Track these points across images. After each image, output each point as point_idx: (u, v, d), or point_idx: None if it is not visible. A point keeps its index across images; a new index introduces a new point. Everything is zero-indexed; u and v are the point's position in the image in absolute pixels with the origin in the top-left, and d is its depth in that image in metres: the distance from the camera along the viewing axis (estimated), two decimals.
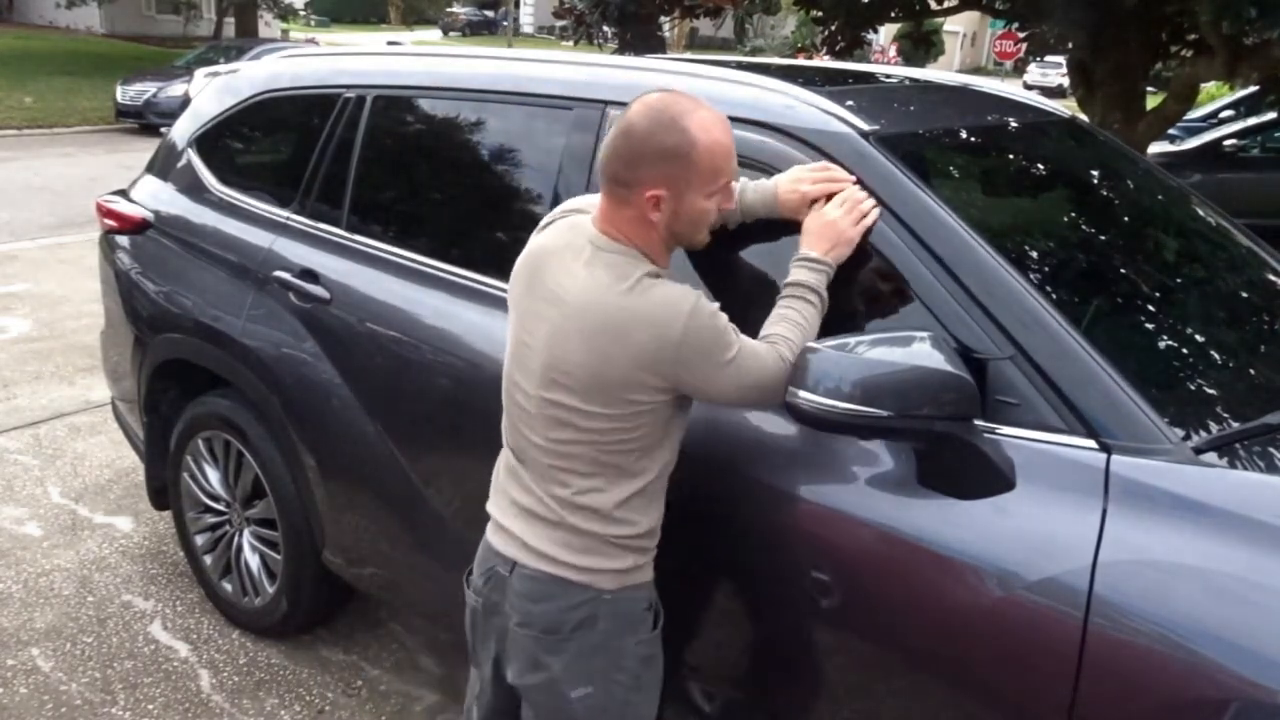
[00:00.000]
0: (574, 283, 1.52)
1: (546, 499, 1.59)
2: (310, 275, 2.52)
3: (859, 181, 1.73)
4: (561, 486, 1.57)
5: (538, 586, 1.60)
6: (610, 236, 1.54)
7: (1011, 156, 2.30)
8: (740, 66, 2.12)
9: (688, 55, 3.67)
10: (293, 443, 2.56)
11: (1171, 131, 8.51)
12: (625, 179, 1.49)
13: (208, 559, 3.01)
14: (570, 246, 1.56)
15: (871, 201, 1.69)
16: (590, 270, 1.51)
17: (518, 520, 1.63)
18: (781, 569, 1.72)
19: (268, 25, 30.31)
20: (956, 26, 36.44)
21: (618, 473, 1.55)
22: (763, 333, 1.59)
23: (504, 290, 2.16)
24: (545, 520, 1.59)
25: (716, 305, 1.51)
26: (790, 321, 1.60)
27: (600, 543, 1.57)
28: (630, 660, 1.62)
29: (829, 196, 1.70)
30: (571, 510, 1.57)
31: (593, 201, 1.64)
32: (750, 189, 1.76)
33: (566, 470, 1.56)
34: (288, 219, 2.67)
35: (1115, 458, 1.46)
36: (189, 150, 3.01)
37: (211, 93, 3.03)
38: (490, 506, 1.72)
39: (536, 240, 1.65)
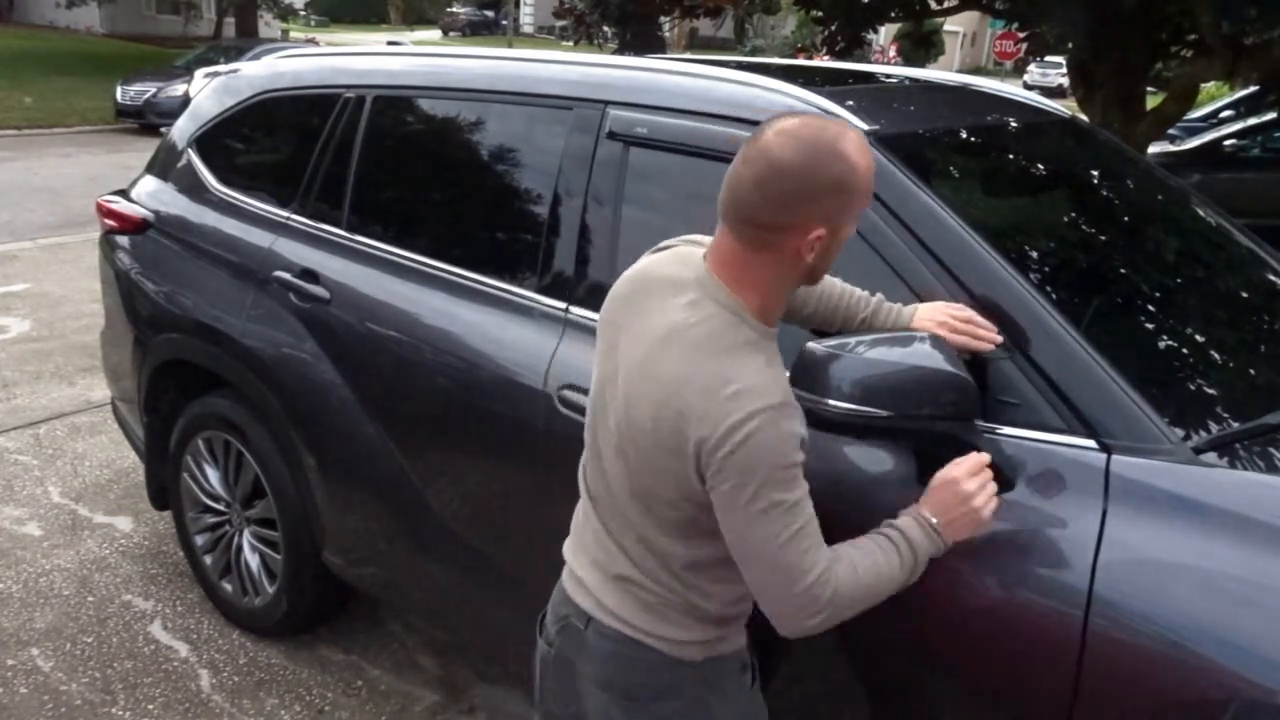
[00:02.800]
0: (667, 324, 1.32)
1: (621, 554, 1.42)
2: (310, 275, 2.52)
3: None
4: (636, 541, 1.40)
5: (614, 647, 1.43)
6: (723, 282, 1.32)
7: (1011, 156, 2.30)
8: (740, 66, 2.12)
9: (688, 55, 3.67)
10: (293, 443, 2.56)
11: (1171, 131, 8.51)
12: (779, 223, 1.25)
13: (208, 559, 3.01)
14: (673, 280, 1.36)
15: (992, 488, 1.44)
16: (686, 315, 1.31)
17: (592, 571, 1.47)
18: None
19: (268, 25, 30.32)
20: (956, 26, 36.43)
21: (700, 532, 1.35)
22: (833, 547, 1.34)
23: (503, 290, 2.19)
24: (620, 577, 1.42)
25: (804, 429, 1.28)
26: (866, 554, 1.34)
27: (679, 613, 1.40)
28: None
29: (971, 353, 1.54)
30: (648, 571, 1.39)
31: (698, 238, 1.48)
32: (883, 312, 1.61)
33: (645, 521, 1.38)
34: (288, 219, 2.67)
35: (1115, 458, 1.46)
36: (189, 150, 3.01)
37: (211, 93, 3.03)
38: (566, 550, 1.56)
39: (642, 263, 1.45)
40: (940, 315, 1.56)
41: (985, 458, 1.43)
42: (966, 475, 1.40)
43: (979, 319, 1.57)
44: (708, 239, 1.43)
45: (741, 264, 1.31)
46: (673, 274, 1.38)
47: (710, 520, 1.32)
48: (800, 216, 1.25)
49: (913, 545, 1.37)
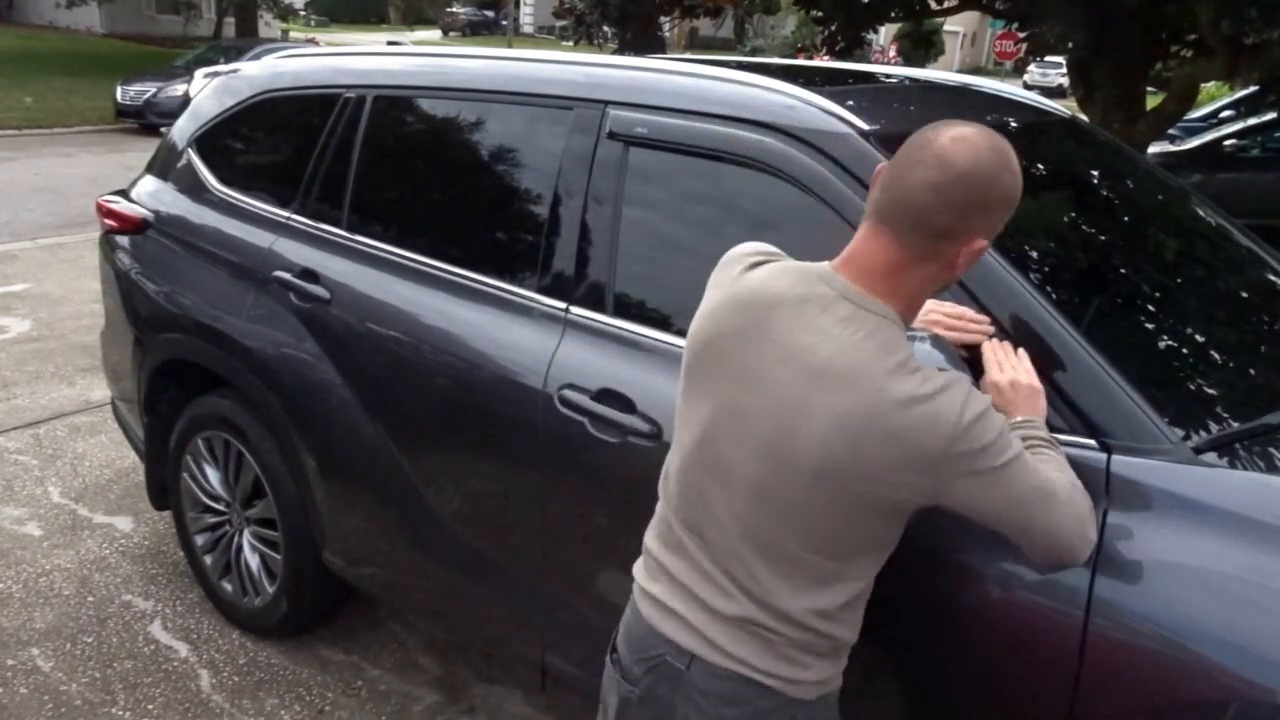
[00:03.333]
0: (827, 343, 1.25)
1: (737, 592, 1.33)
2: (310, 275, 2.52)
3: (859, 180, 1.73)
4: (757, 582, 1.32)
5: (726, 687, 1.35)
6: (872, 293, 1.28)
7: None
8: (740, 66, 2.12)
9: (688, 55, 3.67)
10: (293, 443, 2.57)
11: (1171, 131, 8.52)
12: (953, 230, 1.24)
13: (208, 559, 3.01)
14: (813, 297, 1.28)
15: (1024, 364, 1.50)
16: (849, 331, 1.24)
17: (694, 608, 1.37)
18: None
19: (268, 25, 30.33)
20: (956, 26, 36.42)
21: (832, 576, 1.31)
22: None
23: (503, 290, 2.19)
24: (734, 617, 1.34)
25: (988, 398, 1.28)
26: (1046, 465, 1.34)
27: (801, 651, 1.34)
28: None
29: (968, 347, 1.55)
30: (770, 612, 1.32)
31: (774, 250, 1.43)
32: None
33: (772, 564, 1.31)
34: (288, 219, 2.67)
35: (1115, 458, 1.46)
36: (189, 150, 3.01)
37: (211, 93, 3.03)
38: (646, 581, 1.45)
39: (755, 279, 1.34)
40: (931, 313, 1.56)
41: (980, 334, 1.53)
42: (996, 371, 1.47)
43: (969, 313, 1.58)
44: (774, 249, 1.41)
45: (897, 272, 1.27)
46: (804, 291, 1.29)
47: (870, 548, 1.31)
48: (972, 224, 1.25)
49: (1045, 438, 1.40)
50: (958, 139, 1.24)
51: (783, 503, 1.28)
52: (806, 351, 1.26)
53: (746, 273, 1.36)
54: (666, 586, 1.41)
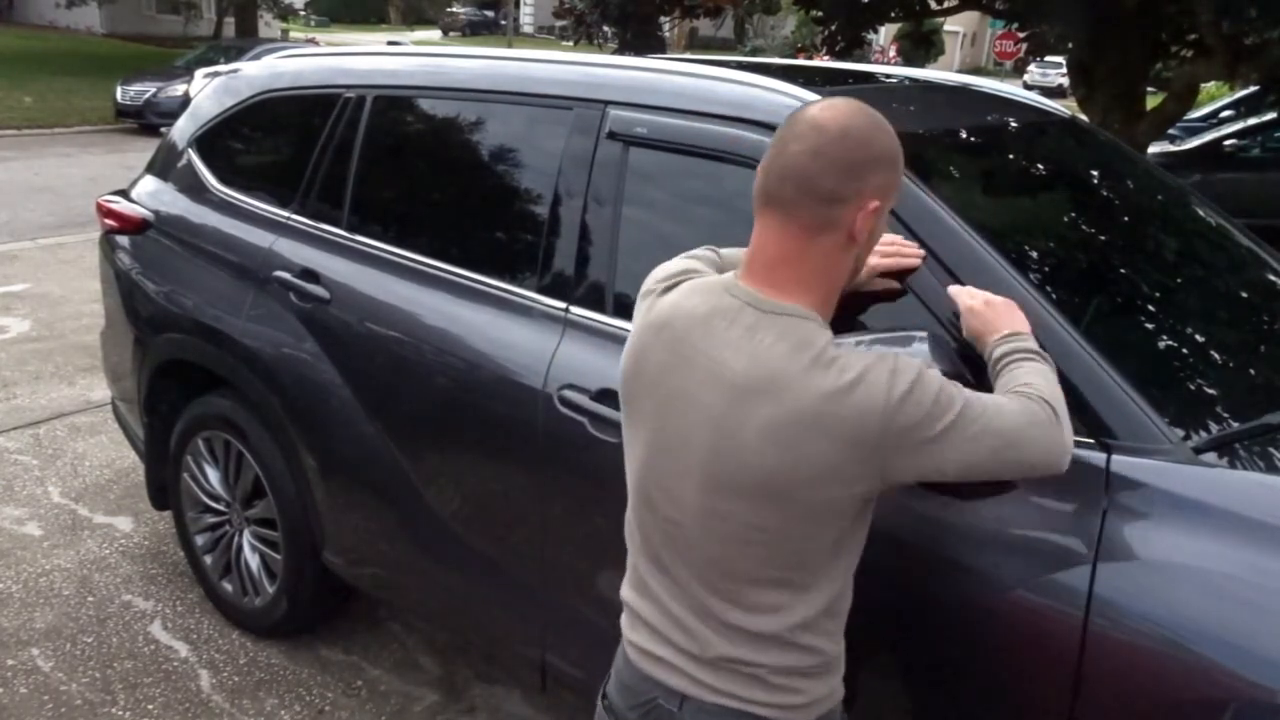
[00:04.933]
0: (739, 356, 1.21)
1: (710, 634, 1.30)
2: (310, 275, 2.52)
3: None
4: (735, 609, 1.28)
5: None
6: (774, 293, 1.24)
7: (1012, 156, 2.30)
8: (740, 66, 2.12)
9: (688, 55, 3.67)
10: (293, 443, 2.57)
11: (1171, 131, 8.51)
12: (841, 193, 1.20)
13: (208, 559, 3.01)
14: (719, 311, 1.25)
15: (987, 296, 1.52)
16: (757, 339, 1.21)
17: (674, 652, 1.33)
18: None
19: (268, 25, 30.32)
20: (956, 26, 36.44)
21: (802, 588, 1.27)
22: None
23: (503, 290, 2.19)
24: (714, 659, 1.30)
25: (920, 360, 1.24)
26: (1028, 375, 1.34)
27: (788, 676, 1.29)
28: None
29: (902, 273, 1.60)
30: (747, 640, 1.28)
31: (702, 257, 1.45)
32: None
33: (739, 590, 1.27)
34: (288, 219, 2.67)
35: (1115, 457, 1.46)
36: (189, 150, 3.01)
37: (211, 93, 3.03)
38: (629, 631, 1.41)
39: (667, 304, 1.31)
40: None
41: (914, 258, 1.60)
42: (966, 298, 1.50)
43: (900, 239, 1.63)
44: (693, 260, 1.41)
45: (794, 258, 1.23)
46: (711, 306, 1.26)
47: (840, 552, 1.27)
48: (859, 184, 1.21)
49: (1033, 349, 1.41)
50: (826, 107, 1.25)
51: (737, 527, 1.24)
52: (722, 368, 1.22)
53: (659, 299, 1.33)
54: (646, 634, 1.37)
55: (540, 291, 2.12)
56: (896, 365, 1.19)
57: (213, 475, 2.93)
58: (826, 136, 1.21)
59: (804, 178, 1.21)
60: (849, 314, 1.72)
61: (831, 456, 1.18)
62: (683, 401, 1.26)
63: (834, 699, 1.36)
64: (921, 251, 1.63)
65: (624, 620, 1.44)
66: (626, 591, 1.43)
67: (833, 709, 1.36)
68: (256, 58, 3.28)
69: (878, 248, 1.55)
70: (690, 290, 1.31)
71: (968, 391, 1.24)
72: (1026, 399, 1.29)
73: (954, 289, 1.57)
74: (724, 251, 1.52)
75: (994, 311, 1.47)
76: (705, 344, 1.24)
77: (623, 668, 1.43)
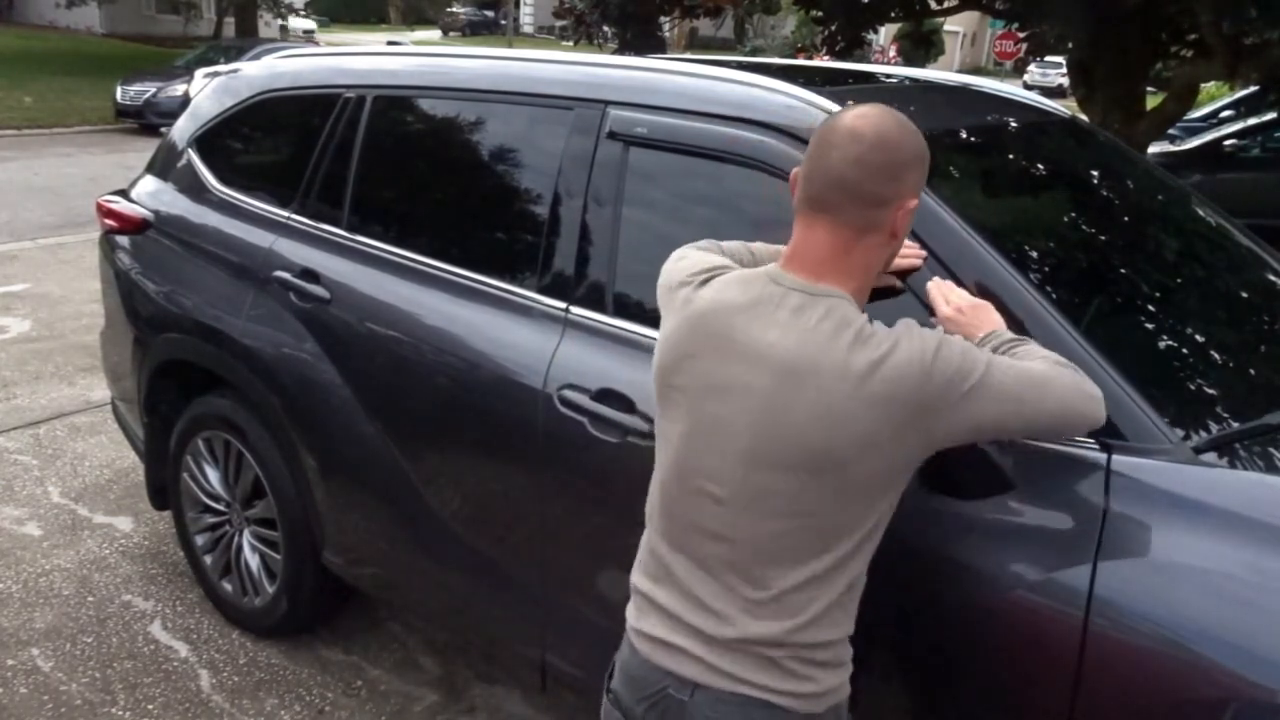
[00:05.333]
0: (786, 337, 1.27)
1: (735, 613, 1.32)
2: (310, 275, 2.52)
3: None
4: (763, 590, 1.31)
5: (735, 711, 1.33)
6: (821, 280, 1.31)
7: (1012, 156, 2.30)
8: (740, 66, 2.12)
9: (688, 55, 3.67)
10: (293, 443, 2.57)
11: (1171, 131, 8.51)
12: (885, 195, 1.28)
13: (208, 559, 3.01)
14: (764, 298, 1.32)
15: (962, 292, 1.58)
16: (803, 321, 1.28)
17: (689, 637, 1.36)
18: None
19: (267, 25, 30.33)
20: (956, 26, 36.43)
21: (831, 570, 1.31)
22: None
23: (503, 290, 2.18)
24: (733, 640, 1.32)
25: (938, 328, 1.34)
26: (1032, 353, 1.41)
27: (805, 665, 1.33)
28: None
29: (904, 273, 1.64)
30: (770, 618, 1.31)
31: (729, 250, 1.53)
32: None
33: (770, 571, 1.31)
34: (288, 219, 2.67)
35: (1116, 457, 1.46)
36: (189, 150, 3.01)
37: (211, 93, 3.03)
38: (637, 620, 1.43)
39: (707, 296, 1.37)
40: None
41: (914, 258, 1.64)
42: (943, 305, 1.54)
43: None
44: (716, 254, 1.47)
45: (840, 255, 1.31)
46: (756, 295, 1.32)
47: (876, 528, 1.32)
48: (899, 186, 1.30)
49: (1014, 338, 1.46)
50: (859, 116, 1.32)
51: (782, 504, 1.29)
52: (769, 350, 1.28)
53: (696, 291, 1.38)
54: (659, 620, 1.40)
55: (540, 291, 2.12)
56: (923, 333, 1.28)
57: (213, 475, 2.93)
58: (866, 144, 1.29)
59: (851, 186, 1.29)
60: None
61: (878, 425, 1.24)
62: (726, 387, 1.31)
63: (843, 693, 1.39)
64: (923, 253, 1.66)
65: (632, 610, 1.45)
66: (639, 578, 1.45)
67: (840, 703, 1.38)
68: (256, 58, 3.28)
69: None
70: (728, 283, 1.37)
71: (991, 353, 1.33)
72: (1049, 363, 1.37)
73: (932, 287, 1.59)
74: (756, 248, 1.60)
75: (970, 315, 1.52)
76: (750, 329, 1.30)
77: (629, 659, 1.44)
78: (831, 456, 1.25)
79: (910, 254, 1.65)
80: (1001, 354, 1.40)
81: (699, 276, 1.40)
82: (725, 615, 1.33)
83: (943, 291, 1.57)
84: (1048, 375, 1.34)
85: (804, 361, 1.26)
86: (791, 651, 1.32)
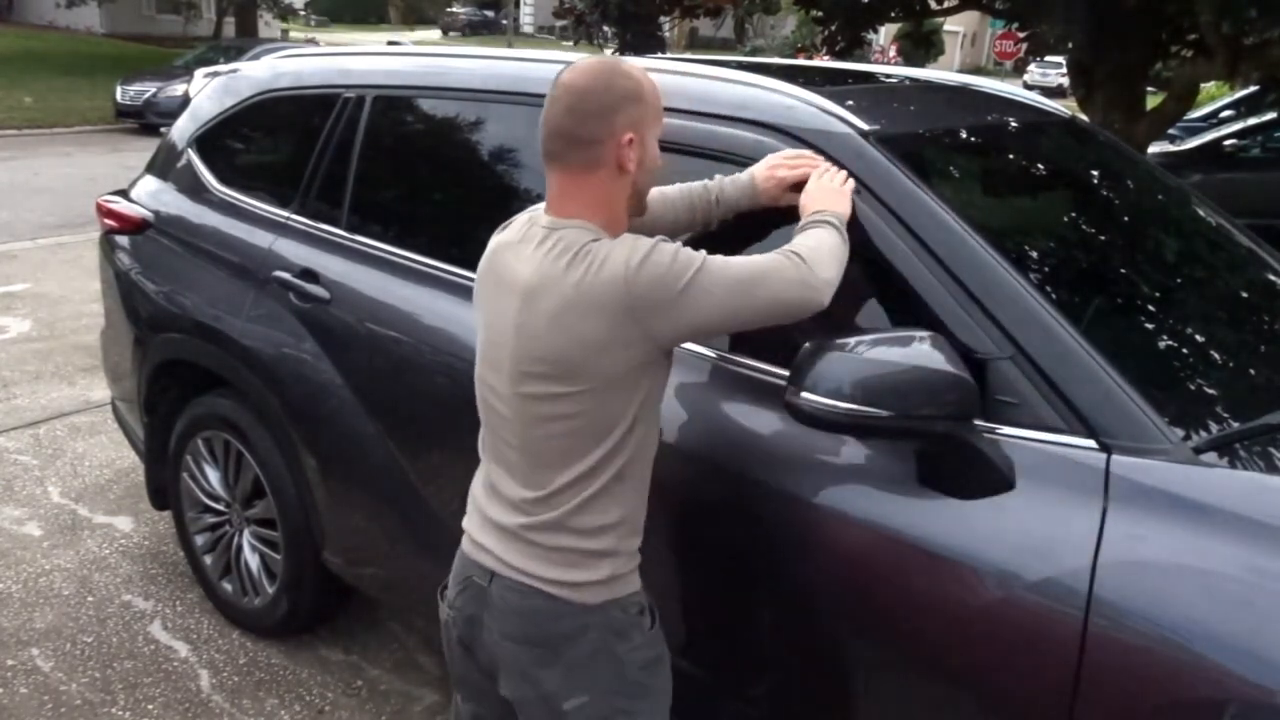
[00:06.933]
0: (528, 266, 1.49)
1: (522, 508, 1.53)
2: (310, 275, 2.52)
3: (858, 180, 1.73)
4: (537, 489, 1.51)
5: (519, 599, 1.53)
6: (563, 217, 1.50)
7: (1011, 156, 2.30)
8: (740, 66, 2.12)
9: (688, 55, 3.67)
10: (293, 443, 2.56)
11: (1171, 131, 8.51)
12: (594, 134, 1.46)
13: (208, 559, 3.01)
14: (526, 238, 1.54)
15: (845, 174, 1.73)
16: (544, 250, 1.48)
17: (490, 533, 1.58)
18: (781, 570, 1.72)
19: (267, 25, 30.32)
20: (956, 26, 36.43)
21: (594, 466, 1.48)
22: None
23: None
24: (519, 533, 1.53)
25: (670, 242, 1.47)
26: (801, 238, 1.56)
27: (575, 554, 1.51)
28: (630, 669, 1.54)
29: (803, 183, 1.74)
30: (540, 518, 1.51)
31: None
32: (728, 184, 1.78)
33: (545, 474, 1.50)
34: (288, 219, 2.67)
35: (1115, 458, 1.46)
36: (189, 150, 3.01)
37: (211, 93, 3.03)
38: (466, 523, 1.66)
39: (495, 240, 1.62)
40: (772, 160, 1.77)
41: (818, 165, 1.75)
42: (815, 181, 1.70)
43: (805, 152, 1.78)
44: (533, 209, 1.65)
45: (577, 190, 1.50)
46: (522, 234, 1.55)
47: (612, 421, 1.47)
48: (610, 124, 1.46)
49: (832, 222, 1.61)
50: (571, 70, 1.51)
51: (542, 408, 1.47)
52: (516, 278, 1.50)
53: (496, 235, 1.63)
54: (474, 519, 1.63)
55: None
56: (635, 242, 1.44)
57: (212, 475, 2.93)
58: (576, 94, 1.48)
59: (567, 133, 1.48)
60: (849, 313, 1.73)
61: (599, 330, 1.41)
62: (495, 312, 1.54)
63: (620, 590, 1.54)
64: (819, 159, 1.75)
65: (466, 517, 1.67)
66: (473, 486, 1.68)
67: (618, 599, 1.54)
68: (256, 58, 3.28)
69: (781, 164, 1.76)
70: (519, 223, 1.59)
71: (712, 255, 1.46)
72: (776, 255, 1.51)
73: (816, 172, 1.72)
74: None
75: (820, 193, 1.68)
76: (509, 262, 1.53)
77: (457, 556, 1.67)
78: (569, 362, 1.43)
79: (805, 162, 1.75)
80: (803, 231, 1.58)
81: (502, 224, 1.64)
82: (513, 510, 1.54)
83: (820, 170, 1.73)
84: (764, 270, 1.47)
85: (536, 284, 1.46)
86: (562, 539, 1.50)
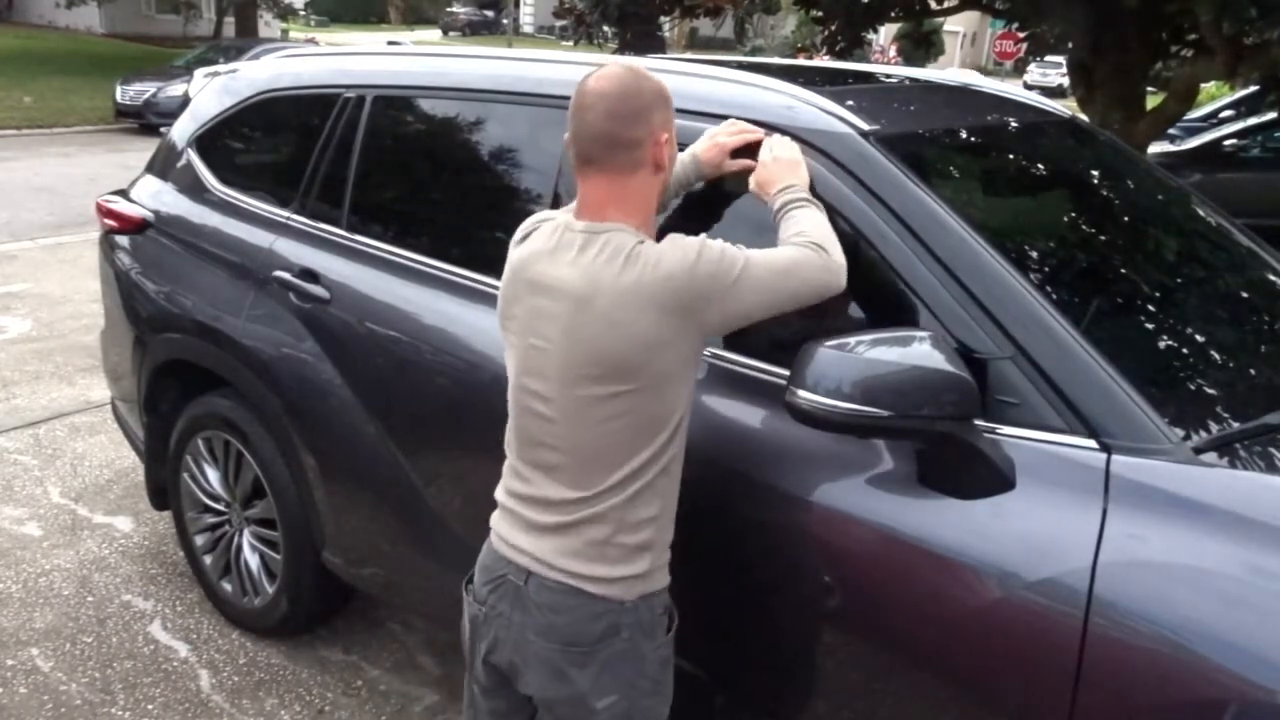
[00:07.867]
0: (574, 271, 1.51)
1: (563, 508, 1.55)
2: (310, 275, 2.52)
3: (859, 180, 1.73)
4: (583, 489, 1.53)
5: (557, 598, 1.55)
6: (602, 219, 1.54)
7: (1011, 156, 2.30)
8: (740, 66, 2.12)
9: (688, 55, 3.67)
10: (293, 443, 2.56)
11: (1171, 131, 8.50)
12: (634, 136, 1.51)
13: (207, 559, 3.01)
14: (561, 245, 1.56)
15: (789, 139, 1.79)
16: (588, 256, 1.51)
17: (529, 535, 1.59)
18: (782, 570, 1.72)
19: (267, 25, 30.32)
20: (956, 26, 36.42)
21: (645, 463, 1.52)
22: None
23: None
24: (561, 532, 1.55)
25: (700, 237, 1.53)
26: (799, 223, 1.61)
27: (618, 550, 1.54)
28: (651, 666, 1.59)
29: (749, 148, 1.80)
30: (588, 511, 1.53)
31: (555, 212, 1.71)
32: (679, 164, 1.83)
33: (594, 470, 1.53)
34: (288, 219, 2.67)
35: (1115, 458, 1.46)
36: (189, 150, 3.01)
37: (211, 93, 3.03)
38: (495, 523, 1.68)
39: (521, 251, 1.63)
40: (710, 133, 1.84)
41: (757, 134, 1.81)
42: (766, 153, 1.76)
43: (742, 123, 1.83)
44: (550, 212, 1.69)
45: (617, 196, 1.54)
46: (555, 241, 1.56)
47: (660, 423, 1.51)
48: (649, 125, 1.52)
49: (807, 198, 1.67)
50: (599, 77, 1.54)
51: (602, 412, 1.50)
52: (561, 284, 1.52)
53: (515, 249, 1.65)
54: (508, 520, 1.64)
55: None
56: (683, 241, 1.50)
57: (212, 475, 2.93)
58: (611, 99, 1.52)
59: (609, 137, 1.51)
60: (847, 313, 1.73)
61: (658, 327, 1.46)
62: (537, 319, 1.55)
63: (653, 584, 1.58)
64: (760, 130, 1.81)
65: (494, 518, 1.69)
66: (500, 493, 1.68)
67: (651, 594, 1.57)
68: (256, 58, 3.28)
69: (723, 133, 1.83)
70: (544, 234, 1.61)
71: (748, 249, 1.53)
72: (798, 246, 1.57)
73: (765, 142, 1.77)
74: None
75: (778, 166, 1.73)
76: (550, 270, 1.55)
77: (484, 554, 1.69)
78: (628, 361, 1.47)
79: (751, 132, 1.81)
80: (784, 214, 1.65)
81: (518, 235, 1.66)
82: (554, 510, 1.56)
83: (771, 144, 1.77)
84: (796, 260, 1.55)
85: (588, 288, 1.49)
86: (607, 534, 1.52)
